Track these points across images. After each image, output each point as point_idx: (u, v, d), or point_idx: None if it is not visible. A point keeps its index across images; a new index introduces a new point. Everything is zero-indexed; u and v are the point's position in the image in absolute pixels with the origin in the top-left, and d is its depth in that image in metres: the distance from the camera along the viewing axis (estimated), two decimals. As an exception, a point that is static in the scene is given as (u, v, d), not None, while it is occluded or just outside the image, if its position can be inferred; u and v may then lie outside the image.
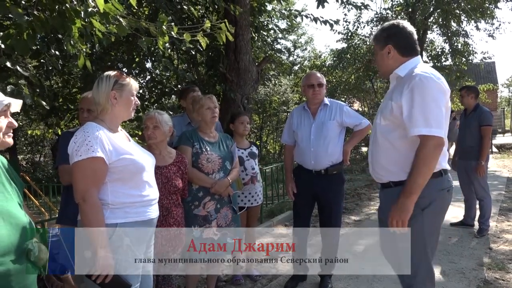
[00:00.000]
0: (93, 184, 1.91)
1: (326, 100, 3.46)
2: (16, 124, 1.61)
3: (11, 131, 1.61)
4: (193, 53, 6.55)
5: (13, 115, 1.65)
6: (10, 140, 1.60)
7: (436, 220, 2.13)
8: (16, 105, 1.62)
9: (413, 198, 1.98)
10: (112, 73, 2.07)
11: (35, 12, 2.70)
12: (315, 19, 6.23)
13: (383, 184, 2.28)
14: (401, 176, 2.11)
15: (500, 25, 14.66)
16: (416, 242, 2.10)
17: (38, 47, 4.27)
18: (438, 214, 2.11)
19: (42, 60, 4.91)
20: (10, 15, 3.21)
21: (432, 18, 14.43)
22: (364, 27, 17.38)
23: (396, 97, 2.09)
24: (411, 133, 2.00)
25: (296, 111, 3.59)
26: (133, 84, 2.11)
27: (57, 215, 3.01)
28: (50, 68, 5.23)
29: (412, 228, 2.08)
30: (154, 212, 2.16)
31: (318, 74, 3.47)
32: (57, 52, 4.68)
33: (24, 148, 18.78)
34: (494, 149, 16.04)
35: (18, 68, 3.05)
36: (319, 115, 3.41)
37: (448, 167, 2.17)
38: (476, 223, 5.09)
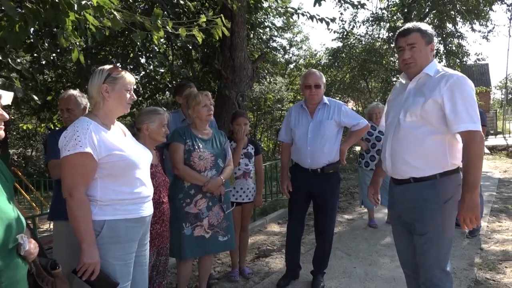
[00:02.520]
0: (81, 179, 1.88)
1: (326, 99, 3.42)
2: (7, 116, 1.58)
3: (2, 124, 1.58)
4: (190, 47, 6.50)
5: (5, 108, 1.62)
6: (1, 133, 1.58)
7: (453, 215, 2.23)
8: (7, 97, 1.59)
9: (477, 192, 2.07)
10: (106, 67, 2.04)
11: (28, 4, 2.66)
12: (311, 17, 6.21)
13: (401, 180, 2.33)
14: (424, 172, 2.22)
15: (494, 27, 14.77)
16: (435, 235, 2.21)
17: (32, 40, 4.22)
18: (455, 209, 2.21)
19: (35, 54, 4.85)
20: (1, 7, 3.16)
21: (427, 19, 14.48)
22: (359, 26, 17.38)
23: (429, 93, 2.17)
24: (458, 129, 2.09)
25: (294, 109, 3.56)
26: (128, 77, 2.07)
27: (48, 211, 2.98)
28: (44, 62, 5.17)
29: (432, 221, 2.19)
30: (146, 210, 2.12)
31: (317, 74, 3.40)
32: (50, 46, 4.62)
33: (16, 142, 18.61)
34: (486, 151, 16.15)
35: (10, 61, 3.01)
36: (317, 114, 3.39)
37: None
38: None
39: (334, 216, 3.54)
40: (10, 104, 1.63)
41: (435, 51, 2.35)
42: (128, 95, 2.07)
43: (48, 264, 1.69)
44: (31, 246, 1.56)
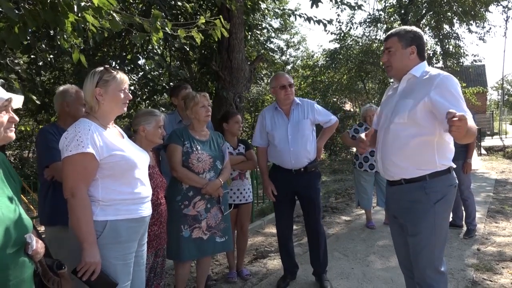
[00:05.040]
0: (82, 179, 1.89)
1: (297, 99, 3.48)
2: (17, 119, 1.59)
3: (13, 126, 1.59)
4: (187, 49, 6.51)
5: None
6: (12, 135, 1.59)
7: (445, 215, 2.24)
8: (17, 100, 1.60)
9: None
10: (98, 69, 2.04)
11: (27, 6, 2.66)
12: (309, 19, 6.23)
13: (393, 181, 2.37)
14: (412, 173, 2.24)
15: (490, 28, 14.88)
16: (427, 236, 2.22)
17: (29, 41, 4.21)
18: (447, 209, 2.23)
19: (32, 56, 4.83)
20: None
21: (424, 20, 14.56)
22: (357, 28, 17.46)
23: (418, 95, 2.17)
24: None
25: (267, 112, 3.56)
26: (120, 78, 2.04)
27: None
28: (41, 64, 5.15)
29: (423, 222, 2.20)
30: (146, 210, 2.14)
31: (287, 75, 3.52)
32: (47, 48, 4.61)
33: (13, 143, 18.50)
34: (483, 151, 16.22)
35: (8, 62, 3.00)
36: (293, 114, 3.43)
37: (454, 165, 2.29)
38: (464, 224, 5.15)
39: (321, 211, 3.58)
40: (20, 107, 1.63)
41: (431, 52, 2.38)
42: (122, 95, 2.05)
43: (54, 264, 1.70)
44: (38, 246, 1.57)
